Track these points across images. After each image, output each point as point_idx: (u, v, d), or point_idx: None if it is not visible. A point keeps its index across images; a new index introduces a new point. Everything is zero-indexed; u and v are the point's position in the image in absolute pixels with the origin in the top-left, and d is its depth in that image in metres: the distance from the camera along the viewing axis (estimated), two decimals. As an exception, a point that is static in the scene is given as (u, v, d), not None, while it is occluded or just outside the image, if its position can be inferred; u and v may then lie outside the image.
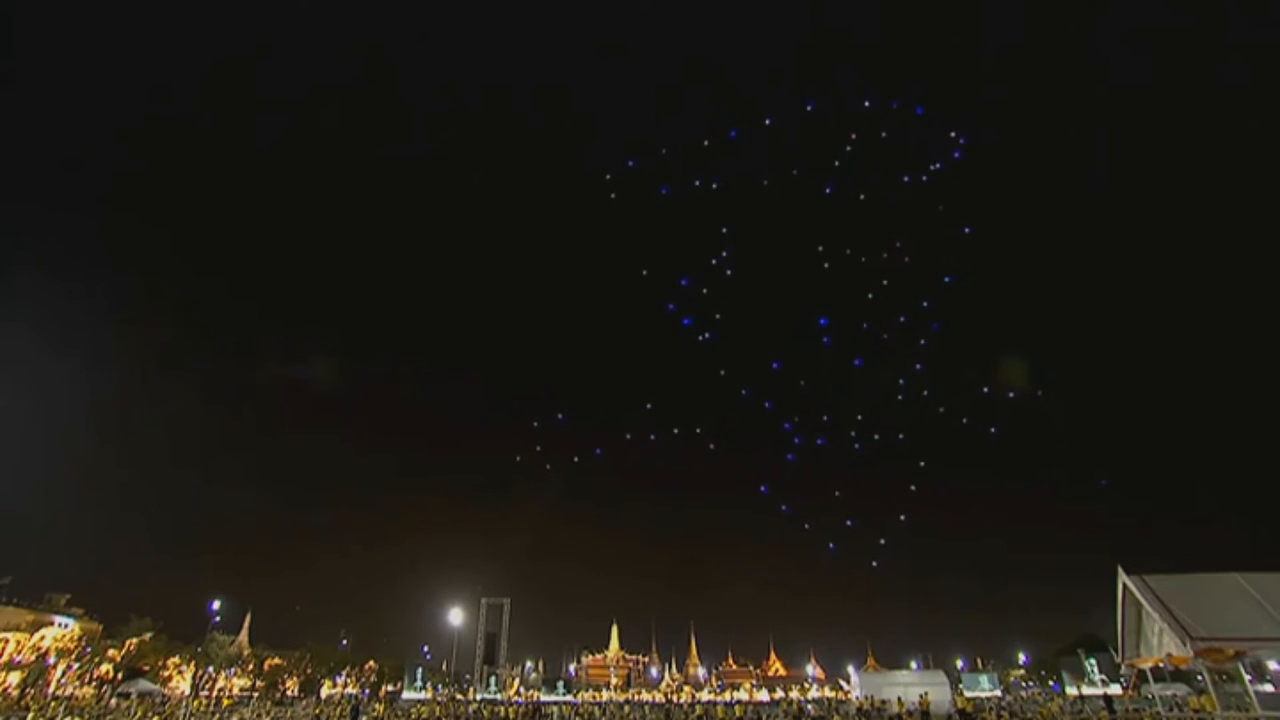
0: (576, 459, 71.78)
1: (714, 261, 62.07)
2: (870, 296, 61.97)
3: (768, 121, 67.53)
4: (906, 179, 60.10)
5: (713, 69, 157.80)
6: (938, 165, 59.55)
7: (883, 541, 69.05)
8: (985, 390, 62.75)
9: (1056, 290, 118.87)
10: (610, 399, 70.48)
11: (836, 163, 61.85)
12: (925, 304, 61.00)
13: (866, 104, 62.04)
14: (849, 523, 66.85)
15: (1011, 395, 60.54)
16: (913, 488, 65.53)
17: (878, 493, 79.05)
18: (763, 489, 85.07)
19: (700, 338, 63.15)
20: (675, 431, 67.42)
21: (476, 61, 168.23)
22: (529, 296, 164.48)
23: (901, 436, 63.94)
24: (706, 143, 67.22)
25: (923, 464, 64.29)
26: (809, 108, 66.94)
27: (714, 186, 63.17)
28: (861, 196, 61.70)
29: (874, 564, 69.48)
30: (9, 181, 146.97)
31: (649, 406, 67.07)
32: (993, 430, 60.42)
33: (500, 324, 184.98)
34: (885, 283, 61.16)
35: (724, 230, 62.78)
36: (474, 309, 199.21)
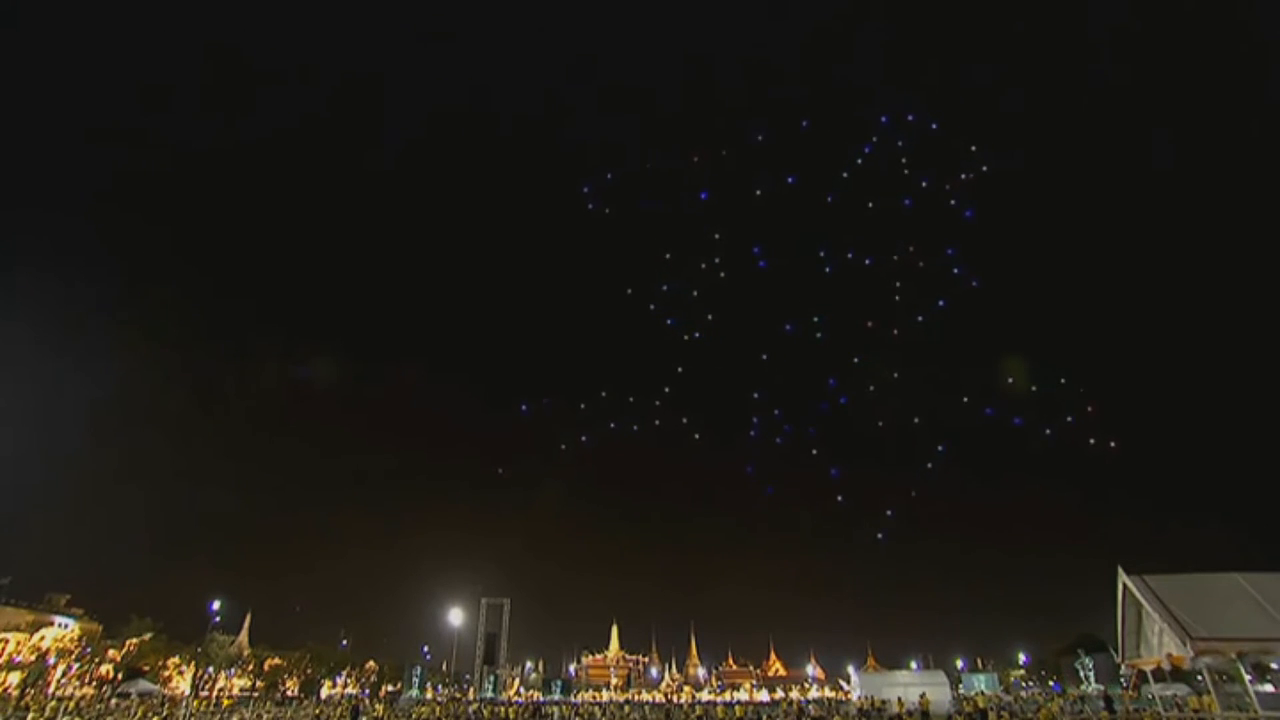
0: (564, 446, 72.22)
1: (703, 266, 62.09)
2: (874, 297, 62.02)
3: (759, 137, 67.35)
4: (924, 183, 59.99)
5: (709, 76, 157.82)
6: (965, 176, 59.56)
7: (889, 513, 69.04)
8: (1010, 380, 62.32)
9: (1058, 291, 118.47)
10: (598, 394, 70.29)
11: (845, 174, 61.73)
12: (941, 302, 60.97)
13: (884, 119, 61.78)
14: (839, 499, 66.87)
15: (1034, 389, 60.38)
16: (929, 465, 65.28)
17: (880, 479, 79.00)
18: (748, 469, 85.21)
19: (687, 337, 63.12)
20: (657, 423, 67.31)
21: (470, 65, 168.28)
22: (526, 297, 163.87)
23: (916, 420, 63.78)
24: (696, 158, 67.16)
25: (940, 449, 63.93)
26: (804, 125, 66.57)
27: (702, 197, 63.20)
28: (870, 204, 61.62)
29: (879, 536, 69.23)
30: (9, 181, 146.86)
31: (631, 400, 66.99)
32: (1016, 421, 60.08)
33: (499, 325, 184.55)
34: (898, 284, 61.07)
35: (716, 237, 62.74)
36: (473, 310, 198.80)
